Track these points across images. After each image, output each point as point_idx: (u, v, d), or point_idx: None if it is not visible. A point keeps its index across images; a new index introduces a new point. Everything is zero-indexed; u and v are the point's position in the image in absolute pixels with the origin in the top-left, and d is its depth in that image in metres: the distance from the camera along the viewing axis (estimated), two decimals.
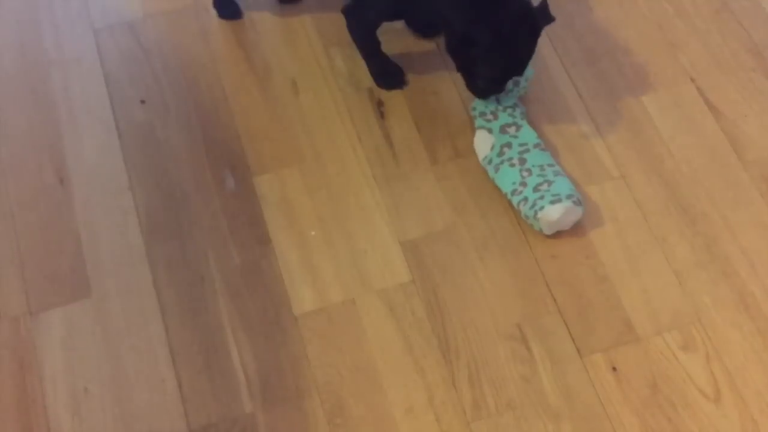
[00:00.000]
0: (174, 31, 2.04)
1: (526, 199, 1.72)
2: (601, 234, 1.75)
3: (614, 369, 1.61)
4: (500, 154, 1.78)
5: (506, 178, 1.76)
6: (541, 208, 1.69)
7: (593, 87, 1.93)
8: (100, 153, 1.88)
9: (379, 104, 1.92)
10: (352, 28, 1.91)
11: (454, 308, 1.68)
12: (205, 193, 1.83)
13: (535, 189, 1.71)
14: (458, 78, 1.88)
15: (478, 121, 1.83)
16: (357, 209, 1.80)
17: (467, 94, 1.90)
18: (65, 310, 1.70)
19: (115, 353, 1.66)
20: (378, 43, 1.92)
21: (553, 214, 1.69)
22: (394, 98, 1.93)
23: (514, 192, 1.74)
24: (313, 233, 1.77)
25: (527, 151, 1.77)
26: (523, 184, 1.73)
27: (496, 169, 1.77)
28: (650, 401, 1.58)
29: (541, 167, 1.75)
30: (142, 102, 1.95)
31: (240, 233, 1.78)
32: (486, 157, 1.80)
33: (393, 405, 1.59)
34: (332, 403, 1.60)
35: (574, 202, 1.70)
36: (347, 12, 1.90)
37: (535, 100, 1.90)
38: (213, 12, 2.07)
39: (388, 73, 1.94)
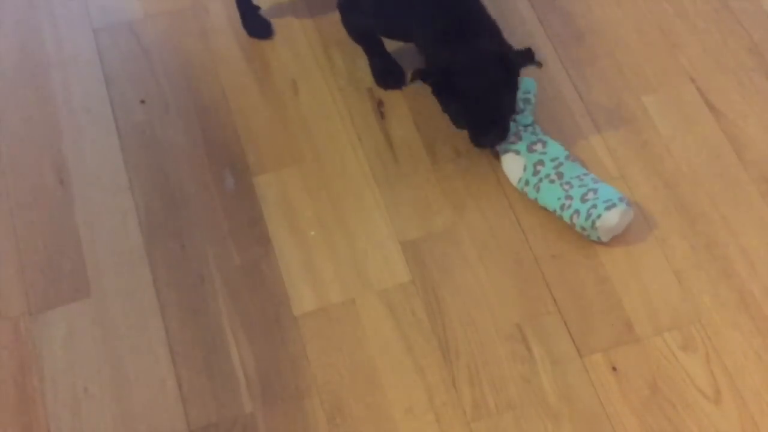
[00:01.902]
0: (174, 31, 2.04)
1: (577, 211, 1.70)
2: None
3: (614, 369, 1.61)
4: (535, 173, 1.75)
5: (550, 195, 1.73)
6: (599, 216, 1.68)
7: (593, 87, 1.93)
8: (100, 153, 1.89)
9: (379, 104, 1.92)
10: (345, 25, 1.91)
11: (454, 308, 1.68)
12: (205, 193, 1.83)
13: (583, 199, 1.70)
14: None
15: (502, 146, 1.80)
16: (357, 209, 1.80)
17: None
18: (65, 310, 1.70)
19: (114, 353, 1.66)
20: (378, 42, 1.92)
21: (612, 218, 1.67)
22: (394, 98, 1.93)
23: (562, 207, 1.72)
24: (313, 233, 1.77)
25: (561, 164, 1.76)
26: (569, 197, 1.71)
27: (537, 189, 1.75)
28: (650, 401, 1.58)
29: (579, 178, 1.74)
30: (142, 102, 1.95)
31: (240, 233, 1.78)
32: (521, 179, 1.77)
33: (393, 405, 1.59)
34: (332, 403, 1.60)
35: (627, 204, 1.69)
36: (341, 8, 1.90)
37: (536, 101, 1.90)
38: (213, 12, 2.07)
39: (387, 72, 1.94)
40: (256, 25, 2.02)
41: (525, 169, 1.77)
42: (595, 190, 1.71)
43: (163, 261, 1.75)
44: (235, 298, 1.70)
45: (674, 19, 2.02)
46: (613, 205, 1.68)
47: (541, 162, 1.76)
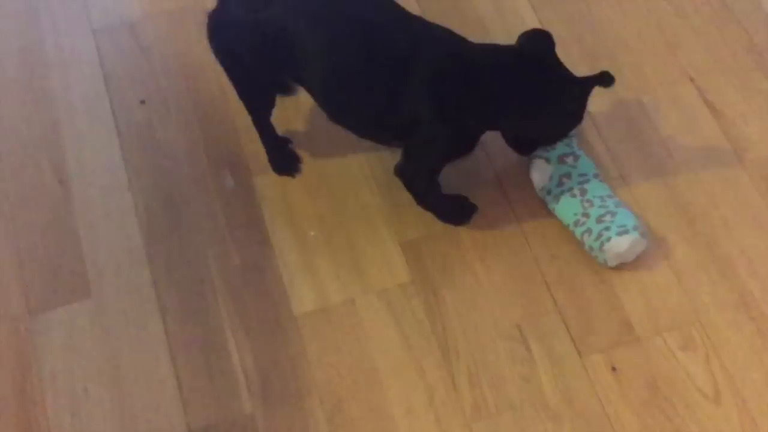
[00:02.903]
0: (173, 31, 2.04)
1: (590, 230, 1.68)
2: None
3: (614, 369, 1.61)
4: (560, 184, 1.74)
5: (568, 209, 1.72)
6: (608, 239, 1.66)
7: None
8: (99, 153, 1.89)
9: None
10: (413, 188, 1.75)
11: (453, 308, 1.68)
12: (204, 193, 1.83)
13: (599, 220, 1.68)
14: None
15: (536, 151, 1.79)
16: (357, 209, 1.80)
17: None
18: (65, 311, 1.71)
19: (114, 353, 1.66)
20: (439, 186, 1.76)
21: (621, 245, 1.65)
22: None
23: (576, 223, 1.71)
24: (313, 233, 1.77)
25: (587, 181, 1.74)
26: (586, 215, 1.70)
27: (557, 200, 1.73)
28: (650, 401, 1.58)
29: (602, 198, 1.72)
30: (142, 102, 1.95)
31: (240, 233, 1.78)
32: (544, 187, 1.76)
33: (393, 405, 1.60)
34: (332, 403, 1.60)
35: (641, 234, 1.67)
36: (402, 173, 1.73)
37: None
38: None
39: (459, 207, 1.78)
40: (284, 161, 1.84)
41: (551, 178, 1.75)
42: (613, 213, 1.69)
43: (163, 261, 1.75)
44: (235, 299, 1.71)
45: (674, 19, 2.02)
46: (626, 232, 1.66)
47: (568, 175, 1.74)
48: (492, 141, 1.86)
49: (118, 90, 1.97)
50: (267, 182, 1.84)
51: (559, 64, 1.64)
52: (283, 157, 1.84)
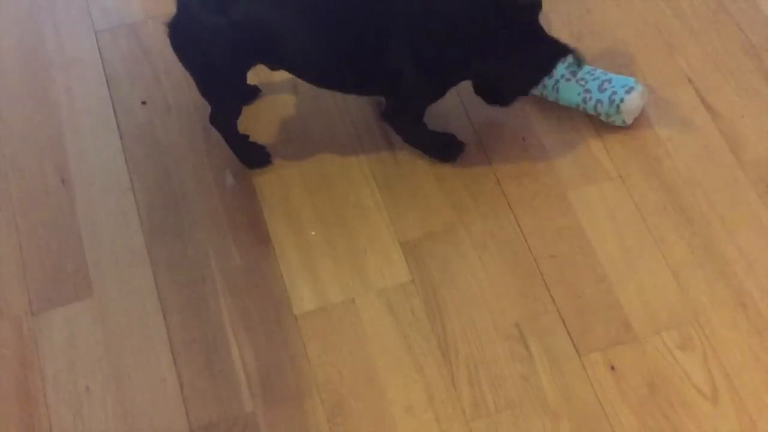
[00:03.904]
0: None
1: (600, 101, 1.83)
2: (600, 234, 1.76)
3: (612, 368, 1.62)
4: (551, 76, 1.85)
5: (570, 92, 1.85)
6: (622, 100, 1.81)
7: None
8: (101, 153, 1.89)
9: (380, 104, 1.92)
10: (401, 130, 1.83)
11: (453, 308, 1.69)
12: (205, 193, 1.83)
13: (600, 89, 1.83)
14: None
15: None
16: (357, 209, 1.81)
17: (466, 96, 1.91)
18: (67, 310, 1.71)
19: (116, 352, 1.67)
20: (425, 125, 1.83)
21: (635, 101, 1.81)
22: None
23: (584, 100, 1.84)
24: (313, 233, 1.78)
25: (574, 71, 1.87)
26: (587, 90, 1.84)
27: (556, 90, 1.86)
28: (648, 400, 1.59)
29: (590, 72, 1.86)
30: (143, 103, 1.96)
31: (240, 233, 1.78)
32: (537, 88, 1.87)
33: (393, 404, 1.60)
34: (332, 402, 1.60)
35: (643, 85, 1.83)
36: (389, 118, 1.81)
37: (534, 101, 1.91)
38: None
39: (447, 144, 1.85)
40: (253, 155, 1.86)
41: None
42: (609, 80, 1.84)
43: (165, 261, 1.76)
44: (236, 298, 1.71)
45: (672, 20, 2.03)
46: (632, 89, 1.81)
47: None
48: (491, 141, 1.87)
49: (120, 91, 1.98)
50: (267, 182, 1.84)
51: (535, 22, 1.69)
52: (253, 152, 1.86)
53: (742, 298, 1.68)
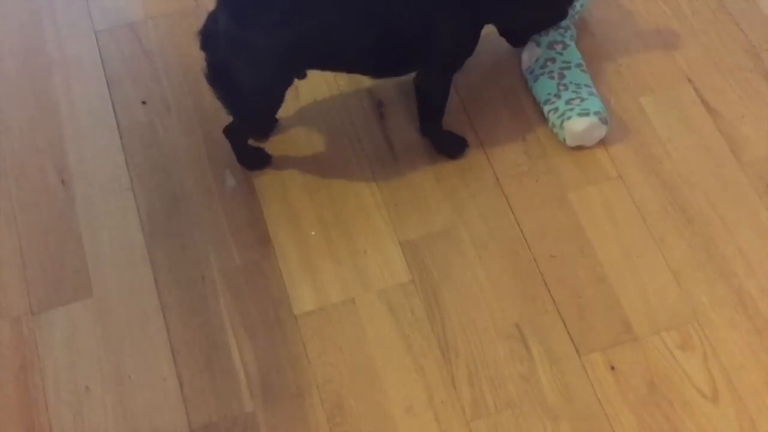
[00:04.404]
0: (175, 32, 2.05)
1: (556, 108, 1.83)
2: (600, 234, 1.76)
3: (612, 368, 1.62)
4: (543, 66, 1.88)
5: (543, 88, 1.86)
6: (569, 118, 1.80)
7: None
8: (101, 153, 1.89)
9: (379, 104, 1.93)
10: (438, 99, 1.85)
11: (453, 308, 1.69)
12: (205, 193, 1.83)
13: (568, 102, 1.82)
14: (458, 79, 1.89)
15: None
16: (357, 209, 1.81)
17: (466, 95, 1.91)
18: (67, 310, 1.71)
19: (116, 352, 1.67)
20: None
21: (579, 125, 1.79)
22: (394, 99, 1.93)
23: (547, 101, 1.85)
24: (313, 233, 1.78)
25: (568, 68, 1.87)
26: (557, 96, 1.84)
27: (535, 79, 1.88)
28: (648, 400, 1.59)
29: (578, 85, 1.85)
30: (144, 103, 1.96)
31: (240, 233, 1.79)
32: (529, 67, 1.90)
33: (392, 404, 1.60)
34: (332, 402, 1.60)
35: (600, 119, 1.79)
36: (428, 88, 1.83)
37: (534, 101, 1.91)
38: None
39: (456, 140, 1.87)
40: (254, 157, 1.85)
41: (537, 61, 1.89)
42: (582, 99, 1.83)
43: (165, 261, 1.76)
44: (236, 298, 1.71)
45: (672, 20, 2.03)
46: (586, 115, 1.79)
47: (553, 60, 1.89)
48: (492, 141, 1.87)
49: (120, 91, 1.98)
50: (267, 182, 1.84)
51: None
52: (254, 154, 1.85)
53: (742, 297, 1.68)
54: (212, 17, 1.62)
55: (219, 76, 1.67)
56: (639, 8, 2.05)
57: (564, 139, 1.81)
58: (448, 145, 1.85)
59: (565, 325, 1.66)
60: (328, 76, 1.97)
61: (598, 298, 1.69)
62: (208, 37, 1.63)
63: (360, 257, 1.75)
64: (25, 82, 2.00)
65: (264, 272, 1.74)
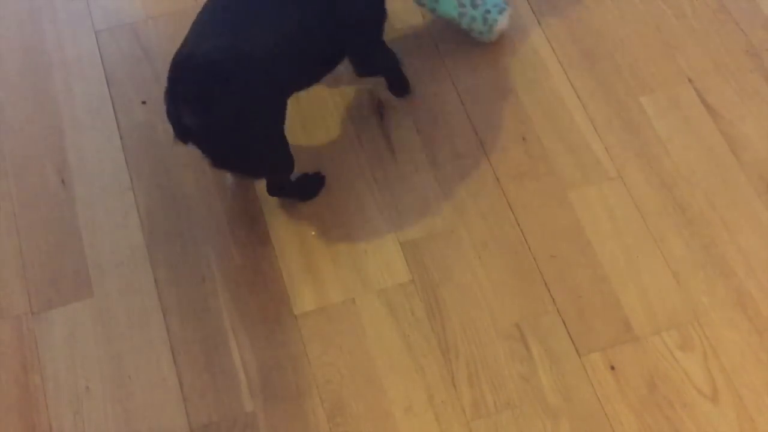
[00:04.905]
0: (175, 32, 2.03)
1: (474, 17, 1.93)
2: (600, 234, 1.76)
3: (612, 368, 1.62)
4: None
5: (448, 5, 1.94)
6: (495, 20, 1.93)
7: (591, 88, 1.93)
8: (101, 153, 1.89)
9: (379, 105, 1.93)
10: (388, 65, 1.89)
11: (453, 308, 1.69)
12: (205, 194, 1.83)
13: (473, 5, 1.92)
14: (458, 79, 1.89)
15: None
16: (357, 209, 1.81)
17: (466, 95, 1.91)
18: (67, 310, 1.71)
19: (116, 352, 1.67)
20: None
21: (505, 21, 1.94)
22: (394, 100, 1.94)
23: (460, 15, 1.93)
24: (313, 233, 1.78)
25: None
26: (462, 5, 1.93)
27: (435, 1, 1.94)
28: (648, 400, 1.59)
29: None
30: (143, 103, 1.96)
31: (240, 233, 1.79)
32: None
33: (393, 404, 1.60)
34: (332, 402, 1.61)
35: (510, 5, 1.96)
36: (372, 67, 1.86)
37: (534, 102, 1.91)
38: None
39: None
40: (308, 186, 1.82)
41: None
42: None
43: (165, 260, 1.76)
44: (236, 298, 1.71)
45: (672, 20, 2.03)
46: (503, 9, 1.94)
47: None
48: (492, 141, 1.87)
49: (120, 91, 1.98)
50: None
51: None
52: (305, 184, 1.83)
53: (742, 297, 1.68)
54: (174, 119, 1.56)
55: (224, 160, 1.65)
56: (639, 8, 2.05)
57: (490, 39, 1.95)
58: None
59: (565, 325, 1.66)
60: (328, 76, 1.96)
61: (598, 298, 1.69)
62: (186, 136, 1.58)
63: (360, 257, 1.75)
64: (25, 82, 2.00)
65: (264, 272, 1.74)
